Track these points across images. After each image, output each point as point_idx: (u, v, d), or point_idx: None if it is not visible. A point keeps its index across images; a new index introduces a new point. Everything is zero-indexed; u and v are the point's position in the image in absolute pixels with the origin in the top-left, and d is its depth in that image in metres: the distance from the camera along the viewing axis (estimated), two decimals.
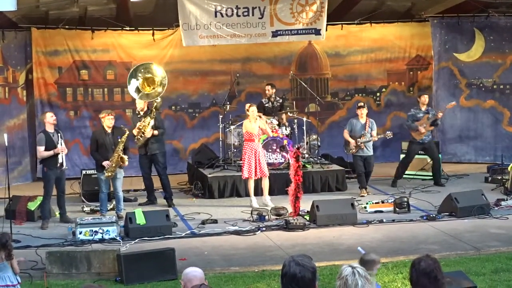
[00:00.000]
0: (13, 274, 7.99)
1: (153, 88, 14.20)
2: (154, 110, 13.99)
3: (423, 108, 15.66)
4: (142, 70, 14.30)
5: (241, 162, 14.34)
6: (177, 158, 18.08)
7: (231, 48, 17.71)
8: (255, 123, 13.91)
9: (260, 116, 14.22)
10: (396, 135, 17.21)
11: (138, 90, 14.17)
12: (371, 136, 14.85)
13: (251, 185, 14.06)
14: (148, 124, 13.91)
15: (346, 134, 15.03)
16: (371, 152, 15.00)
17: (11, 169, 14.35)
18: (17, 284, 8.00)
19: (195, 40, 16.37)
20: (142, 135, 13.95)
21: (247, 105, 14.18)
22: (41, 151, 12.83)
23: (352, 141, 14.83)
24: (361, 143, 14.77)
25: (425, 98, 15.73)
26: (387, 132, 15.49)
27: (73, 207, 13.85)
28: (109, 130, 13.18)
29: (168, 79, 14.65)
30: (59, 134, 12.89)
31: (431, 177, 16.10)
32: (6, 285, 7.85)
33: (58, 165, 12.74)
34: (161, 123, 14.30)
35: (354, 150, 14.88)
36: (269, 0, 16.40)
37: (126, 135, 13.13)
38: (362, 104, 15.22)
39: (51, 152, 12.71)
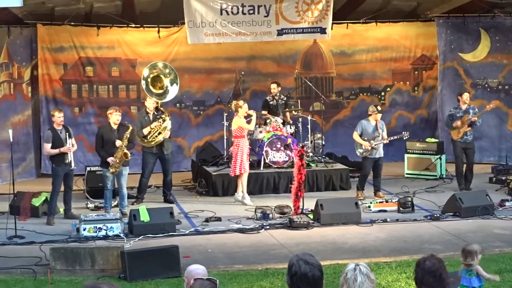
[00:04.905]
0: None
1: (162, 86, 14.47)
2: (166, 111, 14.31)
3: (464, 106, 14.95)
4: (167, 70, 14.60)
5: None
6: (181, 156, 18.07)
7: (236, 46, 17.70)
8: (242, 119, 14.17)
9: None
10: (400, 134, 17.20)
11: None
12: (382, 137, 14.33)
13: (245, 181, 14.26)
14: (166, 126, 14.06)
15: (357, 137, 14.34)
16: (382, 154, 14.49)
17: (15, 165, 14.37)
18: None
19: (200, 37, 16.37)
20: (157, 135, 13.99)
21: (241, 102, 14.28)
22: (48, 149, 12.88)
23: (366, 144, 14.20)
24: (375, 145, 14.24)
25: (466, 97, 15.01)
26: (403, 132, 15.08)
27: (77, 204, 13.84)
28: (115, 127, 13.21)
29: (175, 73, 14.73)
30: (67, 133, 12.88)
31: (435, 177, 16.13)
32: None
33: (67, 161, 12.76)
34: None
35: (368, 153, 14.28)
36: None
37: (129, 130, 13.16)
38: (380, 109, 14.55)
39: (56, 151, 12.74)
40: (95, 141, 13.55)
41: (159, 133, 14.04)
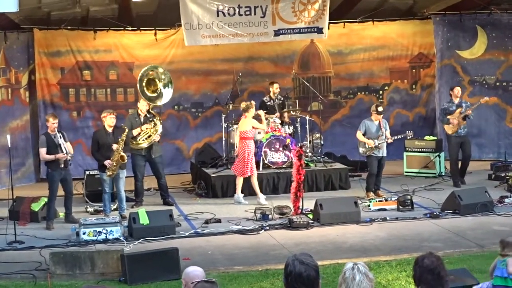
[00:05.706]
0: None
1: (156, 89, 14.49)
2: (157, 115, 14.34)
3: (456, 100, 15.20)
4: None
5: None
6: (180, 158, 18.07)
7: (233, 48, 17.69)
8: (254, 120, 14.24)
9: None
10: (399, 132, 17.22)
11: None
12: (385, 137, 14.28)
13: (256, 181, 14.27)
14: (157, 129, 14.07)
15: (360, 136, 14.27)
16: (385, 153, 14.47)
17: (14, 170, 14.38)
18: None
19: (197, 39, 16.36)
20: (147, 138, 14.00)
21: (252, 102, 14.29)
22: (44, 154, 12.86)
23: (370, 142, 14.14)
24: (378, 143, 14.17)
25: (458, 91, 15.29)
26: (407, 131, 14.99)
27: (77, 208, 13.81)
28: (110, 130, 13.21)
29: (171, 79, 14.75)
30: (60, 135, 12.86)
31: (435, 175, 16.14)
32: None
33: (62, 166, 12.77)
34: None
35: (371, 151, 14.22)
36: None
37: (125, 133, 13.15)
38: (382, 110, 14.51)
39: (52, 157, 12.72)
40: (91, 145, 13.56)
41: (149, 136, 14.04)
